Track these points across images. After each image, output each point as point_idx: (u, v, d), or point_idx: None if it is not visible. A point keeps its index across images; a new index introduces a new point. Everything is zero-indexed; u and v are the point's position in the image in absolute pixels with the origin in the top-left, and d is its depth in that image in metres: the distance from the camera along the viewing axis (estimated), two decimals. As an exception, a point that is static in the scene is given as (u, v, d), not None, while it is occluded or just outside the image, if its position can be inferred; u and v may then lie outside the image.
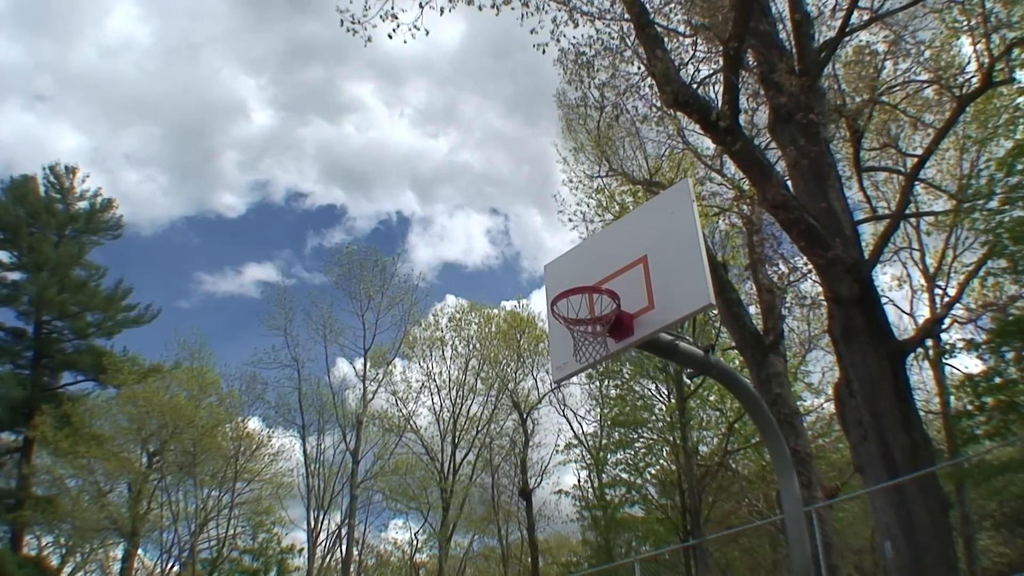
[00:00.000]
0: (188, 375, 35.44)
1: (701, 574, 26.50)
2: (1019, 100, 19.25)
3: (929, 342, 22.07)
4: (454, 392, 38.66)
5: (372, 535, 41.28)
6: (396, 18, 15.15)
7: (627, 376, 31.64)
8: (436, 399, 39.02)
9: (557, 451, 36.54)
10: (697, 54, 16.01)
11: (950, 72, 16.71)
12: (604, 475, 34.50)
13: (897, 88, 17.94)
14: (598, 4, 15.70)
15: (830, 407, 23.77)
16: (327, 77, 67.37)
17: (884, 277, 33.00)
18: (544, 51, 15.66)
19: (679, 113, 15.83)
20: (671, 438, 29.90)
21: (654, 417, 31.57)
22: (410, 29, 15.35)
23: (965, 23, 16.61)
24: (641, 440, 32.28)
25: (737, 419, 27.22)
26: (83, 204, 40.25)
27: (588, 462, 34.95)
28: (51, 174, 39.86)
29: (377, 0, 15.08)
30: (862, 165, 17.37)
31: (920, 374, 28.57)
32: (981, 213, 19.37)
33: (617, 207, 25.87)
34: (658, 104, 16.03)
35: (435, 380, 39.04)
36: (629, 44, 15.71)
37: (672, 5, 15.98)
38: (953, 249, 25.50)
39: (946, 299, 24.86)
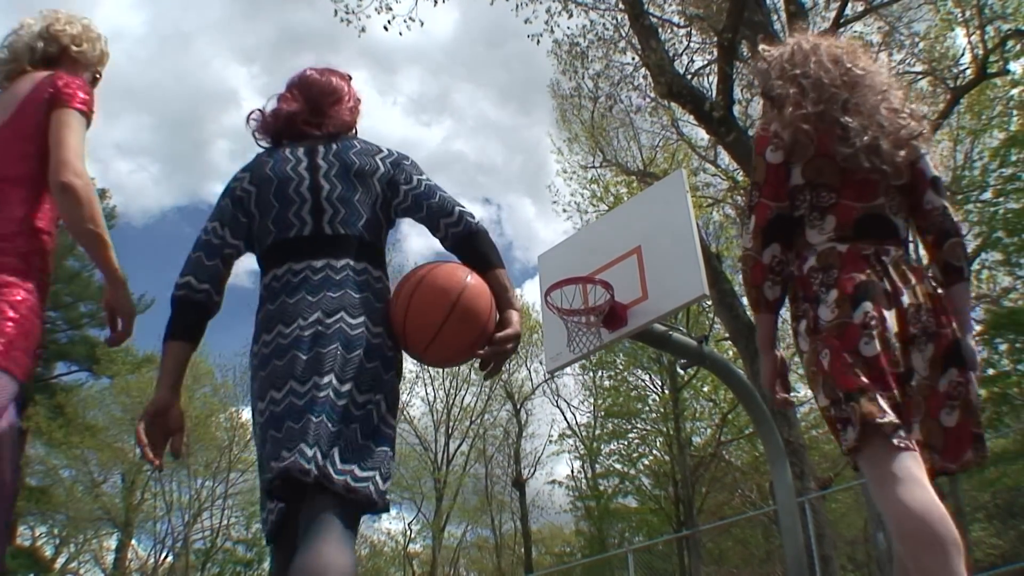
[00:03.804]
0: (182, 365, 35.36)
1: (694, 564, 26.54)
2: (1013, 92, 19.28)
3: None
4: (447, 382, 38.65)
5: (365, 525, 41.24)
6: (391, 10, 15.14)
7: (621, 367, 31.60)
8: (429, 389, 39.01)
9: (551, 442, 36.48)
10: (691, 45, 16.06)
11: (944, 64, 16.74)
12: (597, 466, 34.50)
13: (892, 80, 17.94)
14: (592, -6, 15.72)
15: (823, 398, 23.73)
16: (319, 65, 67.15)
17: (878, 268, 33.05)
18: (538, 41, 15.67)
19: (673, 104, 15.86)
20: (664, 429, 29.89)
21: (648, 408, 31.56)
22: (405, 21, 15.34)
23: (959, 15, 16.63)
24: (635, 431, 32.29)
25: (731, 410, 27.23)
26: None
27: (581, 453, 34.95)
28: (44, 164, 39.83)
29: (371, -10, 15.10)
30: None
31: (914, 366, 28.61)
32: (975, 205, 19.41)
33: (611, 198, 25.86)
34: (652, 95, 16.05)
35: (428, 370, 39.06)
36: (623, 35, 15.72)
37: (666, -5, 15.99)
38: (947, 241, 25.54)
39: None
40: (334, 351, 2.63)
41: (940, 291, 2.88)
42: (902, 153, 2.91)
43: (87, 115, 3.01)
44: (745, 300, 20.12)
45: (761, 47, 3.36)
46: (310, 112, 3.11)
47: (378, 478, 2.60)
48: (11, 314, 2.70)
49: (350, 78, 3.32)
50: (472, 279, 2.82)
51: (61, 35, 3.26)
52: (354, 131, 3.24)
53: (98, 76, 3.46)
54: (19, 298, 2.75)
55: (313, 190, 2.90)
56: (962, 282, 2.93)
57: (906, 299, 2.72)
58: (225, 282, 3.02)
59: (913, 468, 2.50)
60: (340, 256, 2.81)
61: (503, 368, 2.86)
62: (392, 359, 2.79)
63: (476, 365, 2.96)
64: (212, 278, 2.94)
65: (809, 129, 2.91)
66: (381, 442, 2.67)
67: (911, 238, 3.09)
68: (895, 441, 2.52)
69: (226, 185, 3.09)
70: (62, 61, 3.25)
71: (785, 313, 3.10)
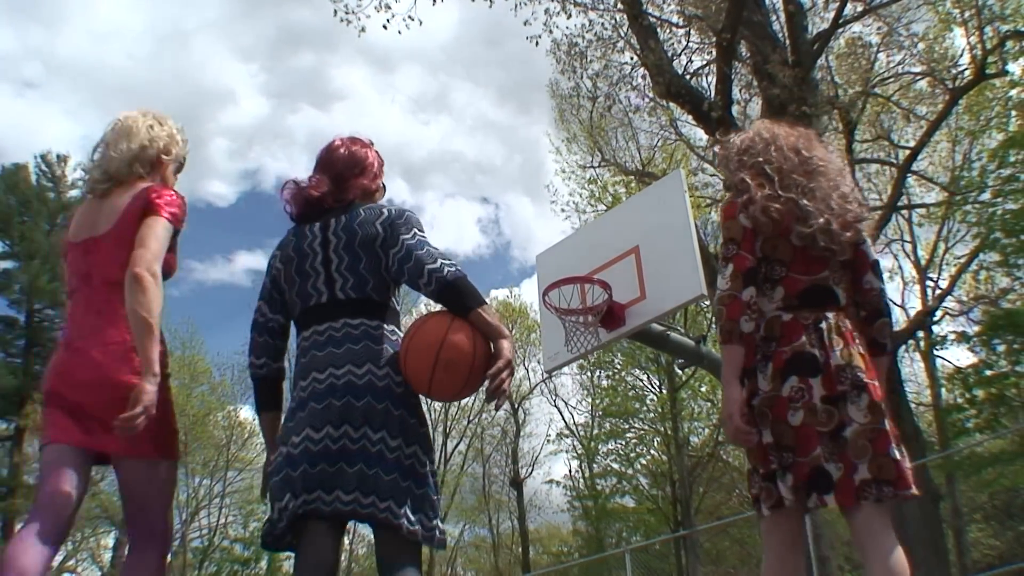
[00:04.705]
0: (179, 364, 35.22)
1: (692, 564, 26.54)
2: (1011, 92, 19.27)
3: (920, 334, 22.08)
4: (445, 381, 38.56)
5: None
6: (390, 8, 15.13)
7: (618, 366, 31.59)
8: (427, 389, 38.94)
9: (548, 441, 36.44)
10: (690, 45, 16.00)
11: (943, 64, 16.74)
12: (595, 465, 34.50)
13: (890, 80, 17.96)
14: (591, -6, 15.68)
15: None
16: (318, 64, 66.92)
17: (876, 269, 33.04)
18: (537, 43, 15.65)
19: (672, 104, 15.83)
20: (662, 429, 29.90)
21: (645, 408, 31.55)
22: (404, 20, 15.33)
23: (958, 15, 16.63)
24: (632, 431, 32.28)
25: (728, 410, 27.19)
26: (75, 192, 39.90)
27: (579, 452, 34.95)
28: (43, 163, 39.62)
29: (370, -10, 15.09)
30: (855, 157, 17.38)
31: (911, 366, 28.64)
32: (973, 206, 19.39)
33: (609, 197, 25.84)
34: (651, 95, 16.03)
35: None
36: (622, 34, 15.67)
37: (665, -5, 15.95)
38: (945, 241, 25.51)
39: (938, 291, 24.87)
40: (367, 403, 3.12)
41: (866, 352, 3.35)
42: (848, 234, 3.36)
43: (174, 223, 3.49)
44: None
45: (722, 137, 3.77)
46: (336, 188, 3.50)
47: (438, 521, 3.23)
48: (156, 414, 3.20)
49: (372, 143, 3.73)
50: (451, 330, 3.18)
51: (151, 147, 3.70)
52: (381, 188, 3.70)
53: (182, 163, 3.94)
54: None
55: (325, 264, 3.35)
56: (884, 356, 3.50)
57: (835, 360, 3.18)
58: (281, 350, 3.54)
59: (786, 545, 3.22)
60: (355, 316, 3.27)
61: (506, 393, 3.27)
62: (414, 405, 3.30)
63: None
64: (267, 352, 3.49)
65: (778, 208, 3.33)
66: (423, 484, 3.21)
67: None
68: (779, 521, 3.21)
69: (267, 263, 3.60)
70: (155, 167, 3.73)
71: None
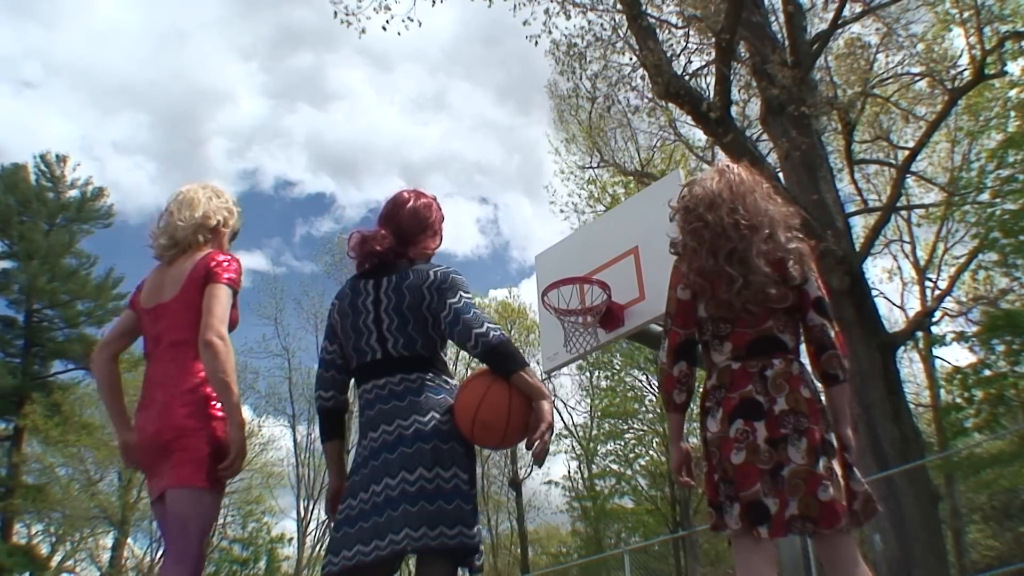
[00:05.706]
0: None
1: (690, 565, 26.57)
2: (1010, 93, 19.28)
3: (920, 334, 22.07)
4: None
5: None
6: (389, 9, 15.16)
7: (617, 367, 31.63)
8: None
9: (547, 442, 36.44)
10: (689, 45, 15.98)
11: (942, 65, 16.70)
12: (594, 466, 34.54)
13: (889, 81, 17.94)
14: (590, -5, 15.67)
15: (820, 399, 23.73)
16: (316, 64, 66.90)
17: (875, 269, 33.11)
18: (536, 43, 15.65)
19: (671, 104, 15.81)
20: (661, 429, 29.89)
21: (644, 408, 31.59)
22: (403, 21, 15.35)
23: (957, 16, 16.61)
24: (631, 431, 32.34)
25: (727, 410, 27.17)
26: (74, 192, 39.95)
27: (578, 453, 34.97)
28: (42, 163, 39.57)
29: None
30: (854, 157, 17.39)
31: (910, 366, 28.66)
32: (972, 206, 19.39)
33: (608, 198, 25.87)
34: (650, 95, 16.01)
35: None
36: (621, 35, 15.66)
37: (664, -5, 15.94)
38: (944, 242, 25.55)
39: (937, 292, 24.89)
40: (435, 445, 3.43)
41: (812, 395, 3.47)
42: (772, 291, 3.49)
43: (233, 285, 3.85)
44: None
45: (682, 186, 3.87)
46: (399, 244, 3.77)
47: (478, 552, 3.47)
48: (207, 449, 3.60)
49: (435, 198, 4.00)
50: (488, 395, 3.46)
51: (211, 219, 4.03)
52: (438, 241, 3.95)
53: (236, 232, 4.28)
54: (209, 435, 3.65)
55: (376, 323, 3.62)
56: (839, 385, 3.56)
57: (779, 406, 3.38)
58: (346, 384, 3.84)
59: (753, 563, 3.37)
60: (410, 371, 3.57)
61: (547, 452, 3.54)
62: (467, 441, 3.55)
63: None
64: (333, 386, 3.80)
65: (704, 282, 3.55)
66: (472, 516, 3.45)
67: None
68: (744, 540, 3.36)
69: (329, 308, 3.92)
70: (215, 235, 4.07)
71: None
